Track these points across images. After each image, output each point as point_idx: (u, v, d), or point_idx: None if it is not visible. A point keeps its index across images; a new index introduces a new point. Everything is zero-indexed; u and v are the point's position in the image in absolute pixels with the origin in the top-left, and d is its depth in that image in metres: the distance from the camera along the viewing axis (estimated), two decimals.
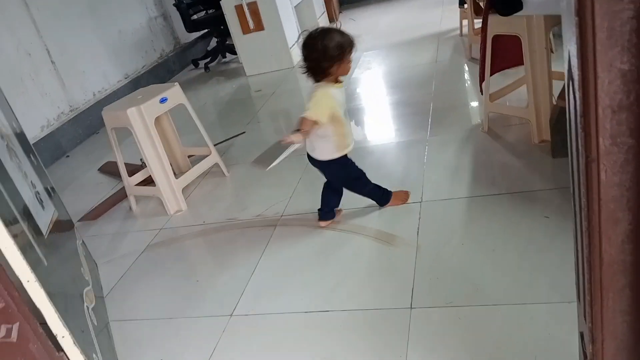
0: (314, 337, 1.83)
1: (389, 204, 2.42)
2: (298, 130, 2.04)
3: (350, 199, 2.50)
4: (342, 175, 2.32)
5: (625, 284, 0.68)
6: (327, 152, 2.20)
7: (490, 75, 2.80)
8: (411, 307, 1.82)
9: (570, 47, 0.61)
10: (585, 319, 0.76)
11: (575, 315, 0.95)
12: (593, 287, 0.70)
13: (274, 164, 2.36)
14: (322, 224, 2.42)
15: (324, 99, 2.06)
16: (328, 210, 2.42)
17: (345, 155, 2.24)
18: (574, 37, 0.58)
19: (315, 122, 2.03)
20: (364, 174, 2.33)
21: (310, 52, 2.02)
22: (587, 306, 0.74)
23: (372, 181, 2.37)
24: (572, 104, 0.64)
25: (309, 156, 2.26)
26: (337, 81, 2.10)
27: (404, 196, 2.43)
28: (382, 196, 2.41)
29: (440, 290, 1.87)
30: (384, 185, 2.41)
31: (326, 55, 1.99)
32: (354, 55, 2.06)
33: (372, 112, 3.80)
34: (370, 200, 2.44)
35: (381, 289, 1.96)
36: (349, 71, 2.10)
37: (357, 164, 2.32)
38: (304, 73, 2.10)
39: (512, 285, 1.80)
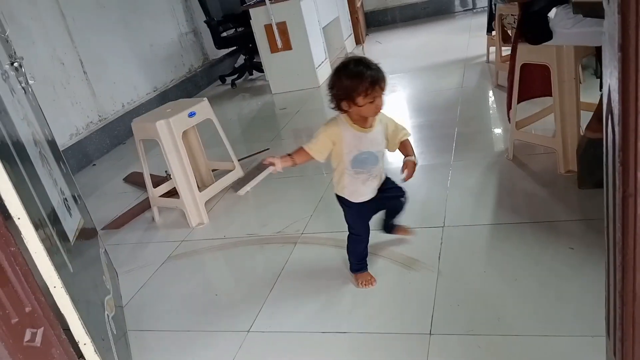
0: (330, 358, 1.82)
1: (353, 275, 2.17)
2: (289, 155, 1.89)
3: (371, 221, 2.50)
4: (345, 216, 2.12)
5: None
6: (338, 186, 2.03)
7: (518, 103, 2.80)
8: (430, 333, 1.80)
9: (611, 81, 0.62)
10: (615, 355, 0.75)
11: (598, 350, 0.93)
12: (625, 322, 0.69)
13: (246, 188, 2.16)
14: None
15: (324, 136, 1.87)
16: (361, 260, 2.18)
17: (348, 200, 2.01)
18: (615, 71, 0.58)
19: (309, 156, 1.88)
20: (364, 237, 2.11)
21: (330, 82, 1.84)
22: (617, 342, 0.72)
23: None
24: (610, 137, 0.64)
25: None
26: (361, 122, 1.87)
27: (368, 278, 2.14)
28: (354, 264, 2.16)
29: (461, 317, 1.85)
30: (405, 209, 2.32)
31: (338, 88, 1.79)
32: (382, 94, 1.81)
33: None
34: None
35: (400, 313, 1.94)
36: (374, 113, 1.83)
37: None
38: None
39: (533, 316, 1.78)
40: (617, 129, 0.61)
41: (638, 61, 0.54)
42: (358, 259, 2.16)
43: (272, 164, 1.87)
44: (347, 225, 2.13)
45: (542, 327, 1.72)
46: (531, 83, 2.83)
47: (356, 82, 1.74)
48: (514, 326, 1.75)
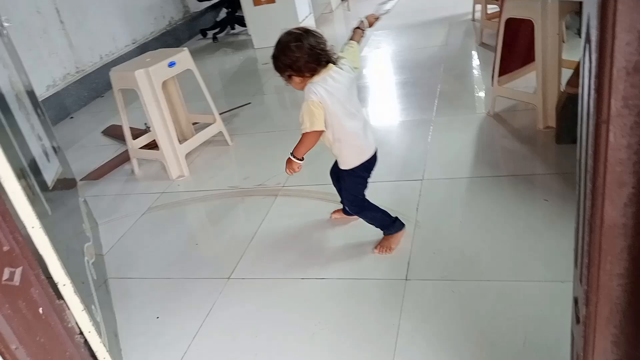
0: (309, 303, 1.86)
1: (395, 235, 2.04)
2: (294, 156, 1.84)
3: None
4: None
5: (623, 248, 0.70)
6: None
7: (504, 74, 2.81)
8: (406, 279, 1.85)
9: (590, 9, 0.62)
10: (581, 282, 0.78)
11: (567, 294, 0.97)
12: (592, 249, 0.71)
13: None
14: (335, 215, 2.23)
15: (313, 109, 1.74)
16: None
17: (362, 165, 1.91)
18: None
19: (317, 136, 1.79)
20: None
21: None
22: (584, 269, 0.75)
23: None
24: (587, 66, 0.65)
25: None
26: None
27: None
28: (391, 222, 2.03)
29: (436, 264, 1.89)
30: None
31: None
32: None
33: (379, 90, 3.79)
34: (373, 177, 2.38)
35: (378, 260, 1.98)
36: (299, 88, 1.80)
37: None
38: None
39: (507, 264, 1.83)
40: (593, 55, 0.62)
41: None
42: (388, 215, 2.02)
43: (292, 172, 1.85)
44: (356, 203, 1.99)
45: (515, 274, 1.78)
46: (520, 51, 2.85)
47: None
48: (488, 272, 1.80)
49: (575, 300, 0.85)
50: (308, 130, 1.75)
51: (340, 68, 1.80)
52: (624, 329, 0.76)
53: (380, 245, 2.03)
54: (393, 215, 2.03)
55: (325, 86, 1.74)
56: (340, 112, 1.78)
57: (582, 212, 0.74)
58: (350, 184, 1.97)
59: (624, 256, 0.70)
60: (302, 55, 1.71)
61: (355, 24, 2.03)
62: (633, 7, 0.56)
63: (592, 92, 0.63)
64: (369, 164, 1.94)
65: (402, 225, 2.04)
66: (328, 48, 1.76)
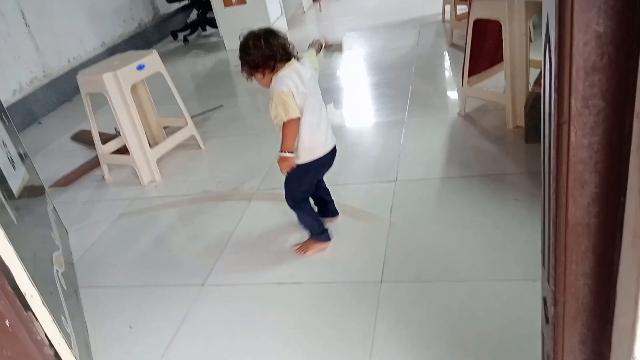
0: (284, 307, 1.84)
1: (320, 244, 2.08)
2: (283, 151, 1.83)
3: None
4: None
5: (588, 247, 0.71)
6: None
7: (473, 74, 2.85)
8: (381, 281, 1.85)
9: (549, 9, 0.63)
10: (548, 283, 0.79)
11: (539, 293, 0.98)
12: (558, 249, 0.72)
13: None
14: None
15: (285, 98, 1.75)
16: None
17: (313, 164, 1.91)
18: None
19: (297, 124, 1.79)
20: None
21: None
22: (551, 269, 0.76)
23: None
24: (547, 66, 0.66)
25: None
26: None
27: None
28: (321, 231, 2.07)
29: (410, 266, 1.90)
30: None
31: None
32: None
33: (351, 92, 3.80)
34: (347, 178, 2.40)
35: (352, 263, 1.98)
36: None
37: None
38: None
39: (479, 264, 1.85)
40: (553, 55, 0.63)
41: None
42: (320, 224, 2.06)
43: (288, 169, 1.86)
44: (294, 198, 1.99)
45: (487, 273, 1.79)
46: (488, 50, 2.89)
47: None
48: (460, 273, 1.82)
49: (544, 300, 0.86)
50: (285, 120, 1.76)
51: (302, 64, 1.84)
52: (591, 327, 0.77)
53: (302, 245, 2.09)
54: (326, 227, 2.08)
55: (291, 79, 1.77)
56: (302, 105, 1.79)
57: (547, 213, 0.75)
58: (295, 177, 1.94)
59: (589, 255, 0.71)
60: (259, 52, 1.76)
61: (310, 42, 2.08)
62: (589, 6, 0.57)
63: (553, 92, 0.64)
64: (321, 164, 1.94)
65: (329, 238, 2.08)
66: (287, 45, 1.80)
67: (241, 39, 1.81)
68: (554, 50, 0.61)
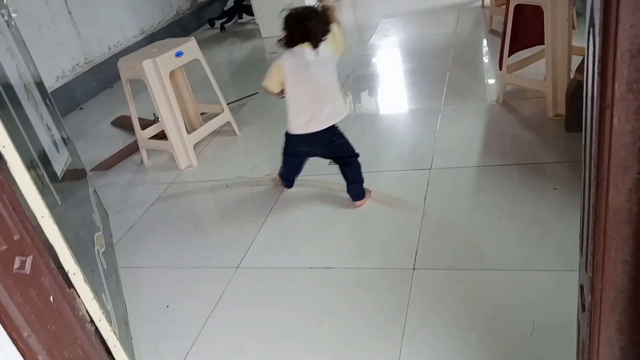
0: (317, 292, 1.86)
1: (362, 201, 2.27)
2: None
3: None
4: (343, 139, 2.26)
5: (628, 234, 0.69)
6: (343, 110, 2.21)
7: (510, 54, 2.78)
8: (414, 268, 1.85)
9: None
10: (586, 270, 0.78)
11: (575, 283, 0.96)
12: (597, 236, 0.71)
13: None
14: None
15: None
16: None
17: (292, 136, 2.21)
18: None
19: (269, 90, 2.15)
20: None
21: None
22: (589, 256, 0.75)
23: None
24: (591, 50, 0.64)
25: None
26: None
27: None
28: (361, 185, 2.28)
29: (444, 253, 1.89)
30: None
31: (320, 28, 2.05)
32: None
33: (387, 79, 3.78)
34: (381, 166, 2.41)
35: (385, 250, 1.99)
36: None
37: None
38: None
39: (515, 253, 1.82)
40: (597, 39, 0.61)
41: None
42: (287, 176, 2.44)
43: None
44: (354, 153, 2.23)
45: (522, 263, 1.77)
46: (525, 33, 2.81)
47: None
48: (495, 261, 1.80)
49: (581, 288, 0.84)
50: (262, 84, 2.17)
51: (316, 50, 2.04)
52: (629, 316, 0.76)
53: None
54: (292, 181, 2.48)
55: (290, 57, 2.07)
56: (292, 79, 2.09)
57: (587, 199, 0.74)
58: (285, 142, 2.32)
59: (629, 243, 0.70)
60: (286, 27, 2.05)
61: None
62: None
63: (596, 76, 0.63)
64: (304, 142, 2.21)
65: (286, 186, 2.51)
66: (311, 28, 2.00)
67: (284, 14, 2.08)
68: (598, 32, 0.60)
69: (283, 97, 2.16)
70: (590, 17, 0.65)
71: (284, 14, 2.06)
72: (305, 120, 2.13)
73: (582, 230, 0.80)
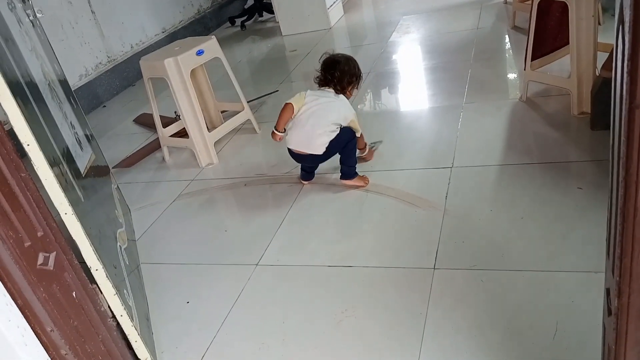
0: (336, 290, 1.86)
1: (350, 181, 2.43)
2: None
3: (379, 162, 2.52)
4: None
5: None
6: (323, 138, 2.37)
7: (536, 57, 2.74)
8: (434, 268, 1.83)
9: None
10: (613, 273, 0.76)
11: (599, 284, 0.94)
12: (625, 239, 0.69)
13: None
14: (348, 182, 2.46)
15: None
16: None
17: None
18: None
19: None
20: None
21: (351, 68, 2.38)
22: (616, 260, 0.73)
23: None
24: (620, 48, 0.63)
25: None
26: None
27: (364, 180, 2.45)
28: (351, 168, 2.43)
29: (465, 253, 1.87)
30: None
31: (344, 78, 2.36)
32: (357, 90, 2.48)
33: (408, 76, 3.75)
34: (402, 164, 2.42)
35: (405, 249, 1.97)
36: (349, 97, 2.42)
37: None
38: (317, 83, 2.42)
39: (538, 253, 1.79)
40: (627, 37, 0.59)
41: None
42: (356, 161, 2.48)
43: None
44: (347, 141, 2.37)
45: (546, 263, 1.74)
46: (552, 34, 2.77)
47: (359, 74, 2.43)
48: (518, 262, 1.77)
49: (607, 292, 0.82)
50: (287, 101, 2.35)
51: (337, 95, 2.36)
52: None
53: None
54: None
55: (315, 93, 2.36)
56: (301, 110, 2.33)
57: (614, 201, 0.72)
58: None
59: None
60: (321, 69, 2.41)
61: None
62: None
63: (626, 75, 0.61)
64: (294, 156, 2.45)
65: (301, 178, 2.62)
66: (335, 78, 2.36)
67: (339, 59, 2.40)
68: (628, 30, 0.58)
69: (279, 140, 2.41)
70: (620, 14, 0.63)
71: (324, 57, 2.41)
72: (295, 140, 2.37)
73: (609, 233, 0.78)
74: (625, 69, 0.60)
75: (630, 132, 0.62)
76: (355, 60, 2.42)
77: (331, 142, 2.32)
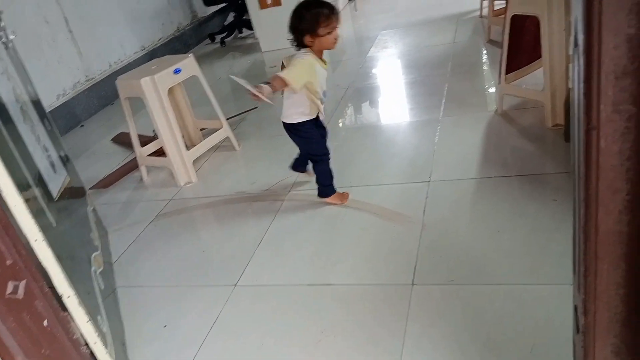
0: (316, 309, 1.84)
1: (327, 199, 2.41)
2: (267, 82, 2.04)
3: (357, 177, 2.52)
4: (302, 142, 2.36)
5: (620, 256, 0.68)
6: (293, 115, 2.27)
7: (511, 71, 2.78)
8: (413, 284, 1.83)
9: (576, 11, 0.60)
10: (579, 291, 0.76)
11: None
12: (588, 257, 0.69)
13: (238, 80, 2.27)
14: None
15: (305, 68, 2.08)
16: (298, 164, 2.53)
17: (310, 122, 2.26)
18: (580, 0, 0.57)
19: (285, 84, 2.06)
20: (327, 153, 2.33)
21: (291, 21, 2.08)
22: (581, 277, 0.73)
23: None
24: (575, 70, 0.63)
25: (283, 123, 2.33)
26: (322, 59, 2.16)
27: (342, 197, 2.41)
28: (326, 187, 2.39)
29: (443, 268, 1.87)
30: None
31: (301, 25, 2.05)
32: (338, 28, 2.08)
33: (386, 91, 3.77)
34: (379, 179, 2.43)
35: (384, 265, 1.97)
36: (332, 45, 2.09)
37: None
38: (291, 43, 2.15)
39: (515, 266, 1.80)
40: (581, 59, 0.60)
41: None
42: (332, 179, 2.37)
43: (261, 93, 2.01)
44: (316, 155, 2.32)
45: (524, 276, 1.75)
46: (527, 47, 2.81)
47: (316, 14, 2.01)
48: (496, 276, 1.78)
49: (575, 309, 0.82)
50: (281, 76, 2.10)
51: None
52: (624, 338, 0.74)
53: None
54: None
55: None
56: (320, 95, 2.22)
57: (577, 219, 0.72)
58: (309, 141, 2.35)
59: (622, 264, 0.68)
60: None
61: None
62: (619, 8, 0.54)
63: (582, 97, 0.61)
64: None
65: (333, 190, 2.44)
66: (293, 40, 2.11)
67: (299, 4, 2.07)
68: (582, 53, 0.59)
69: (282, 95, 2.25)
70: (574, 37, 0.64)
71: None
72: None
73: (574, 251, 0.78)
74: (581, 91, 0.61)
75: (587, 154, 0.62)
76: (305, 3, 2.07)
77: (300, 135, 2.28)
